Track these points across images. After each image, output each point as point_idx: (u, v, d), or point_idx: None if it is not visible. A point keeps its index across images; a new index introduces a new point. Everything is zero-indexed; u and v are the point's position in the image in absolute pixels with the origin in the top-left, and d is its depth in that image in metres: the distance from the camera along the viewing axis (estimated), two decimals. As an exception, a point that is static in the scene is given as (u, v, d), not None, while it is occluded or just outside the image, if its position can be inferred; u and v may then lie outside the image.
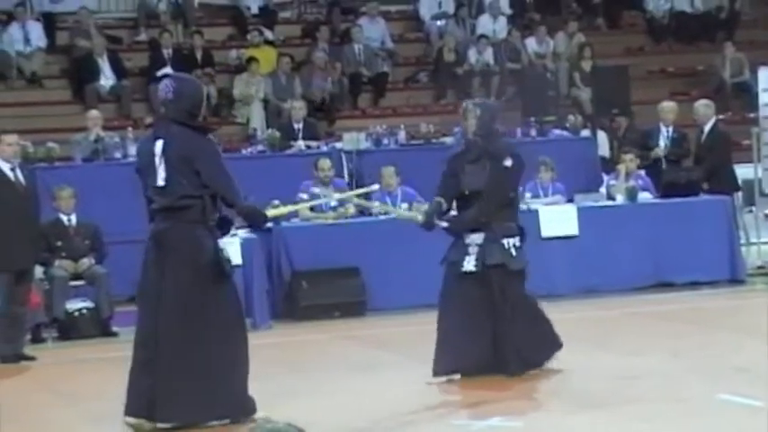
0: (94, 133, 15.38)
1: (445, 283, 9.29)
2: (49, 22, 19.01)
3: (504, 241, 9.13)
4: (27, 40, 18.49)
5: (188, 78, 8.47)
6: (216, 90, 18.52)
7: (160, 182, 7.76)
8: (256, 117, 17.96)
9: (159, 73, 18.27)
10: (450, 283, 9.24)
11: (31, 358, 11.14)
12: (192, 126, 7.84)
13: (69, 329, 12.38)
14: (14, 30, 18.49)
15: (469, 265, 9.08)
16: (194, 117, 7.89)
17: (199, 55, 18.94)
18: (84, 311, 12.45)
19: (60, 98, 18.28)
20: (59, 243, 12.69)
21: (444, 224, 9.37)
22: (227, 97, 18.47)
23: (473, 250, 9.10)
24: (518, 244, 9.23)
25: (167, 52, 18.59)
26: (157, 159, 7.75)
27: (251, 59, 18.61)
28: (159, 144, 7.79)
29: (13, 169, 11.29)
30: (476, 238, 9.13)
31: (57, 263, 12.58)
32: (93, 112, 15.90)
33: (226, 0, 20.55)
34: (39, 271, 11.94)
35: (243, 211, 8.15)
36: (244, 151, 16.17)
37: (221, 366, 7.69)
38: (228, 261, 7.97)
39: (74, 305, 12.45)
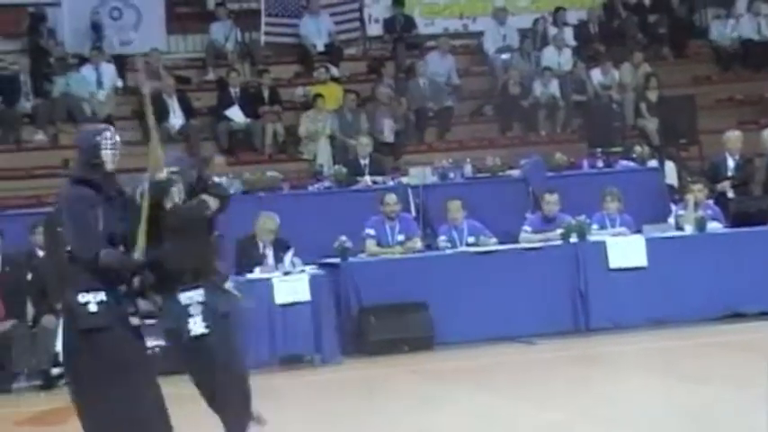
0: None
1: None
2: (120, 63, 19.31)
3: None
4: (100, 83, 18.79)
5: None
6: (283, 127, 18.70)
7: None
8: (323, 153, 18.10)
9: (227, 112, 18.57)
10: None
11: None
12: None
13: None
14: (88, 72, 18.81)
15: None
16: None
17: (266, 93, 19.13)
18: (157, 350, 12.54)
19: (131, 138, 18.52)
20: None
21: None
22: (294, 134, 18.63)
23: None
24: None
25: (235, 91, 18.81)
26: None
27: (317, 96, 18.78)
28: None
29: None
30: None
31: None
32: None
33: (292, 38, 20.75)
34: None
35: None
36: (310, 188, 16.31)
37: None
38: None
39: (147, 342, 12.57)
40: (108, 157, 7.36)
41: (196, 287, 7.34)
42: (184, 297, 7.35)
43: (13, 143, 18.17)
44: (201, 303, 7.33)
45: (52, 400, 11.54)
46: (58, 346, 10.80)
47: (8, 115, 18.17)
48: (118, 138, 7.54)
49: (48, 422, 10.44)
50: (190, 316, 7.32)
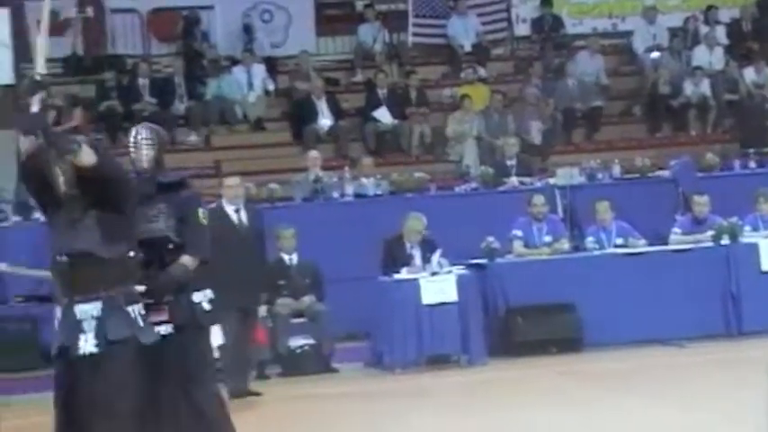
0: (313, 174, 15.82)
1: None
2: (271, 65, 19.63)
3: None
4: (250, 84, 19.13)
5: None
6: (430, 128, 18.78)
7: None
8: (470, 154, 18.13)
9: (374, 113, 18.73)
10: None
11: (257, 394, 11.48)
12: None
13: (292, 365, 12.73)
14: (239, 74, 19.16)
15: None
16: None
17: (413, 94, 19.25)
18: (306, 348, 12.79)
19: (281, 140, 18.83)
20: (282, 282, 13.07)
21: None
22: (441, 135, 18.70)
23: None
24: None
25: (382, 92, 18.95)
26: None
27: (464, 97, 18.81)
28: None
29: (237, 210, 11.62)
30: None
31: (279, 301, 12.97)
32: (312, 153, 16.36)
33: (439, 39, 20.81)
34: (263, 309, 12.27)
35: None
36: (457, 189, 16.36)
37: None
38: None
39: (296, 342, 12.81)
40: (134, 155, 7.33)
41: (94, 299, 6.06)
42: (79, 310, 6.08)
43: (168, 144, 18.56)
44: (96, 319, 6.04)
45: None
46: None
47: (162, 116, 18.58)
48: (143, 135, 7.36)
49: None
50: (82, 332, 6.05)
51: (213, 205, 11.70)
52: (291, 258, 13.30)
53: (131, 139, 7.34)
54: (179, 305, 7.25)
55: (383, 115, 18.74)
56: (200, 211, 7.46)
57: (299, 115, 18.87)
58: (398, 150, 18.63)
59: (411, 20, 20.55)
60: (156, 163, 7.31)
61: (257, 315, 11.83)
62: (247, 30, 19.90)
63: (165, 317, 7.14)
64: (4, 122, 18.57)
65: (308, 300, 13.11)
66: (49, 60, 20.64)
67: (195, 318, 7.31)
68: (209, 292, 7.47)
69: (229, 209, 11.63)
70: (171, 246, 7.30)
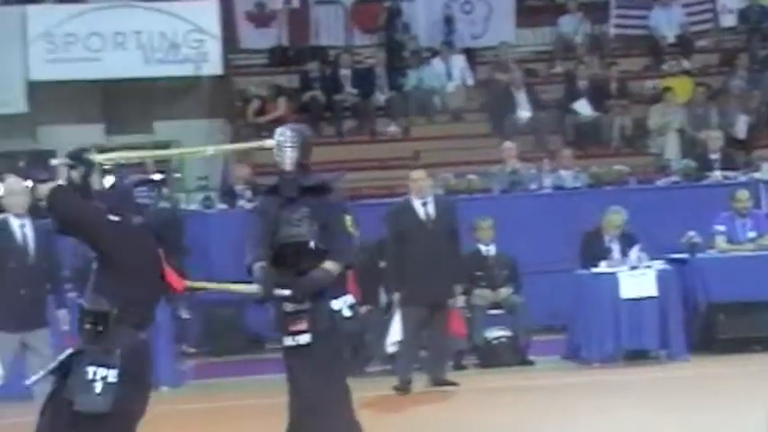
0: (510, 165, 15.82)
1: None
2: (470, 57, 19.69)
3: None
4: (450, 75, 19.23)
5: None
6: (631, 121, 18.56)
7: None
8: (671, 147, 17.85)
9: (574, 105, 18.60)
10: None
11: (454, 384, 11.55)
12: None
13: (489, 357, 12.78)
14: (438, 65, 19.28)
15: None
16: None
17: (613, 86, 19.05)
18: (503, 339, 12.82)
19: (479, 131, 18.87)
20: (479, 273, 13.12)
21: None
22: (642, 128, 18.46)
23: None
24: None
25: (583, 84, 18.82)
26: None
27: (666, 89, 18.53)
28: None
29: (424, 204, 11.47)
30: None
31: (476, 292, 13.03)
32: (508, 144, 16.34)
33: (641, 30, 20.54)
34: (460, 300, 12.30)
35: None
36: (658, 182, 16.14)
37: None
38: None
39: (493, 333, 12.84)
40: (277, 158, 7.27)
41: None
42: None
43: (368, 134, 18.86)
44: None
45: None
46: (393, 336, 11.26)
47: (363, 107, 18.86)
48: (287, 135, 7.25)
49: (388, 408, 10.80)
50: None
51: (400, 200, 11.79)
52: (489, 249, 13.34)
53: (275, 141, 7.13)
54: (318, 313, 7.14)
55: (583, 107, 18.61)
56: (347, 218, 7.30)
57: (497, 106, 18.88)
58: (598, 143, 18.46)
59: (613, 11, 20.34)
60: (300, 165, 7.22)
61: (449, 308, 11.67)
62: (448, 21, 20.01)
63: (303, 326, 7.09)
64: (215, 112, 19.17)
65: (505, 291, 13.14)
66: (255, 51, 21.27)
67: (335, 325, 7.16)
68: (349, 299, 7.26)
69: (416, 203, 11.54)
70: (310, 251, 7.14)
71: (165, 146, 19.57)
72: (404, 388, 11.29)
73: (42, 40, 18.01)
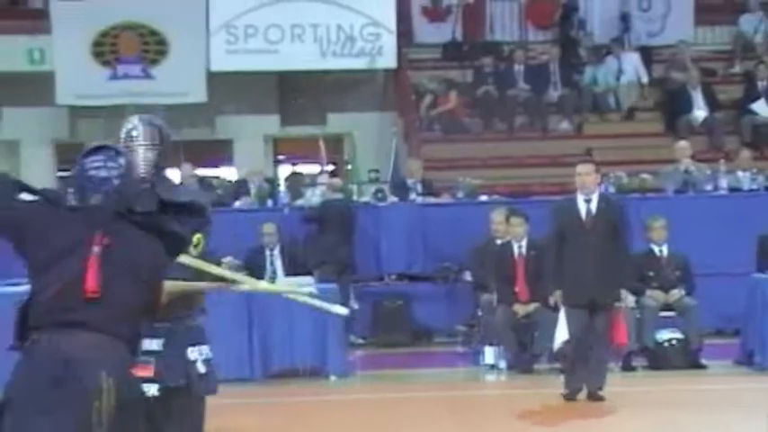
0: (684, 165, 15.59)
1: None
2: (647, 55, 19.46)
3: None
4: (624, 73, 19.05)
5: None
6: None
7: None
8: None
9: (752, 105, 18.23)
10: None
11: (602, 399, 10.65)
12: None
13: (658, 359, 12.62)
14: (612, 62, 19.12)
15: None
16: None
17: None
18: (674, 342, 12.64)
19: (653, 130, 18.66)
20: (651, 273, 12.97)
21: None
22: None
23: None
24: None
25: (762, 84, 18.43)
26: None
27: None
28: None
29: (587, 201, 10.72)
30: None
31: (648, 293, 12.89)
32: (682, 144, 16.09)
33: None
34: (630, 300, 12.11)
35: None
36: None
37: None
38: None
39: (663, 335, 12.67)
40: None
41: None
42: None
43: (540, 130, 18.81)
44: None
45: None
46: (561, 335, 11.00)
47: (536, 103, 18.81)
48: (140, 131, 5.47)
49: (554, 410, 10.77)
50: None
51: (567, 197, 11.48)
52: (661, 249, 13.17)
53: (123, 131, 5.54)
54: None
55: (762, 108, 18.23)
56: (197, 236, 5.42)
57: (672, 105, 18.63)
58: (776, 144, 18.07)
59: (795, 10, 19.89)
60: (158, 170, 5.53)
61: (612, 312, 10.81)
62: (624, 18, 19.82)
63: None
64: (387, 105, 19.37)
65: (676, 293, 12.96)
66: (429, 45, 21.41)
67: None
68: (204, 349, 5.65)
69: (579, 199, 10.75)
70: None
71: (338, 138, 19.93)
72: (572, 397, 10.74)
73: (223, 31, 18.44)
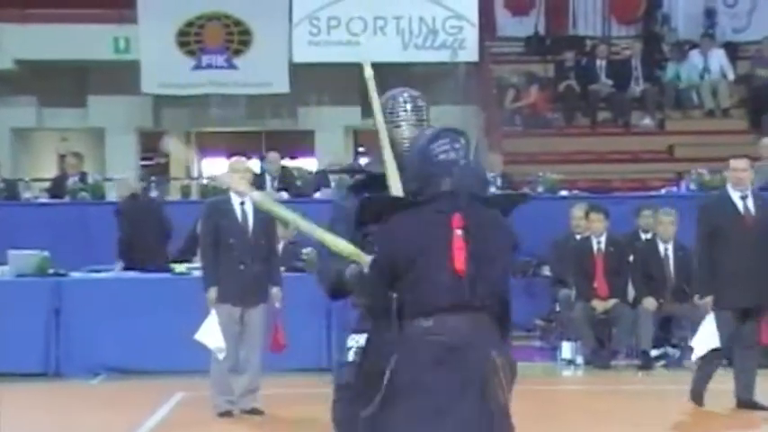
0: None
1: None
2: (732, 51, 19.28)
3: None
4: (708, 69, 18.88)
5: None
6: None
7: None
8: None
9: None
10: None
11: (764, 408, 9.87)
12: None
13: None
14: (696, 58, 18.96)
15: None
16: None
17: None
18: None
19: (738, 127, 18.47)
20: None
21: None
22: None
23: None
24: None
25: None
26: None
27: None
28: None
29: (743, 198, 10.03)
30: None
31: None
32: (765, 141, 15.92)
33: None
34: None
35: None
36: None
37: None
38: None
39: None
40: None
41: None
42: None
43: (622, 126, 18.70)
44: None
45: (649, 380, 11.87)
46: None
47: (619, 98, 18.71)
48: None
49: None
50: None
51: (716, 192, 10.86)
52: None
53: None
54: None
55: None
56: None
57: (758, 102, 18.43)
58: None
59: None
60: None
61: (764, 314, 9.97)
62: (709, 14, 19.65)
63: None
64: (469, 98, 19.36)
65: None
66: (512, 39, 21.25)
67: None
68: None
69: (734, 195, 10.06)
70: None
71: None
72: (697, 400, 10.04)
73: (306, 23, 18.56)
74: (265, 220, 9.73)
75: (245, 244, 9.73)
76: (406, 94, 5.34)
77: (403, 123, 5.24)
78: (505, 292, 4.68)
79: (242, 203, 9.77)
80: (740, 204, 9.97)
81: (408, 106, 5.28)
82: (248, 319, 9.73)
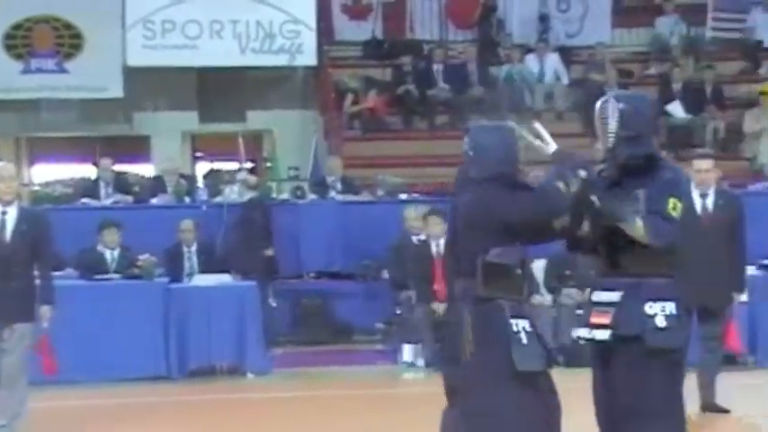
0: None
1: None
2: (565, 55, 19.60)
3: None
4: (542, 74, 19.16)
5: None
6: (724, 125, 18.36)
7: None
8: (765, 152, 17.65)
9: (668, 107, 18.43)
10: None
11: (725, 411, 9.78)
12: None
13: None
14: (532, 63, 19.22)
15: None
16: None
17: (708, 90, 18.84)
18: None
19: (573, 130, 18.76)
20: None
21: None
22: (736, 132, 18.25)
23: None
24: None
25: (677, 86, 18.65)
26: None
27: (763, 93, 18.30)
28: None
29: (703, 195, 9.71)
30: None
31: (564, 291, 12.96)
32: (599, 146, 16.21)
33: (739, 33, 20.31)
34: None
35: None
36: (750, 187, 15.93)
37: None
38: None
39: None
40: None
41: None
42: None
43: (460, 130, 18.78)
44: None
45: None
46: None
47: (456, 102, 18.84)
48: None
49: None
50: None
51: None
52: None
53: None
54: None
55: (676, 109, 18.44)
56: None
57: (590, 106, 18.71)
58: (690, 145, 18.24)
59: (710, 13, 20.11)
60: None
61: (725, 316, 9.83)
62: (543, 19, 19.96)
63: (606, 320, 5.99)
64: (307, 103, 19.30)
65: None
66: (350, 43, 21.27)
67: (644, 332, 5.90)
68: (669, 306, 5.94)
69: (694, 194, 9.69)
70: None
71: (258, 135, 19.82)
72: (713, 409, 9.78)
73: (140, 26, 18.24)
74: (29, 233, 8.90)
75: (1, 258, 8.81)
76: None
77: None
78: None
79: (4, 213, 8.93)
80: (698, 203, 9.75)
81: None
82: (9, 337, 8.84)
